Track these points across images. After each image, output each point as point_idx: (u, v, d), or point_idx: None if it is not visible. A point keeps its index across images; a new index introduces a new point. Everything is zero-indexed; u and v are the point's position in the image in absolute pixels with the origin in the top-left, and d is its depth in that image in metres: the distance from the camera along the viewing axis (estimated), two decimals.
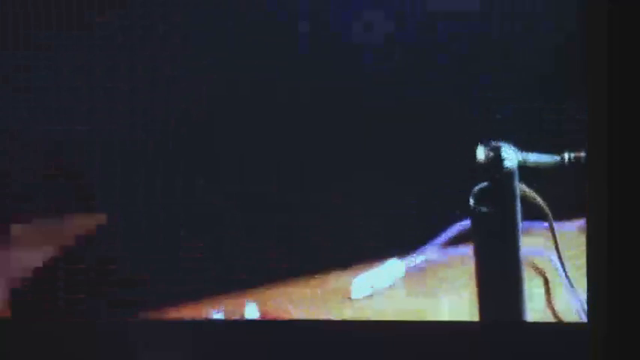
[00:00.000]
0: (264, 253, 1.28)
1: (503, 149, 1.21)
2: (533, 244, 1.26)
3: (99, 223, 1.27)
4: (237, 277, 1.27)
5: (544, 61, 1.25)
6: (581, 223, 1.25)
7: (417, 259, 1.28)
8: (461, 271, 1.28)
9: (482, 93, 1.25)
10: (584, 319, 1.26)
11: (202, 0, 1.26)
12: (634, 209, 1.23)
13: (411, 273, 1.28)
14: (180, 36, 1.27)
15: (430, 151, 1.26)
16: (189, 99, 1.27)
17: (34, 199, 1.27)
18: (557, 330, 1.28)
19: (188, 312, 1.28)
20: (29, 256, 1.27)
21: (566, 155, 1.24)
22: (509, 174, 1.22)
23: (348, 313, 1.28)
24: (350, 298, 1.28)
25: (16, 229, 1.27)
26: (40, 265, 1.27)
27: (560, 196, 1.25)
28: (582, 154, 1.24)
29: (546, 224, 1.25)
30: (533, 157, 1.23)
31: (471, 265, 1.26)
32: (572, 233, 1.26)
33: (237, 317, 1.28)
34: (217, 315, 1.27)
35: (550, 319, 1.27)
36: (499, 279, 1.25)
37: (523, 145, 1.24)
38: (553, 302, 1.28)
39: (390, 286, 1.28)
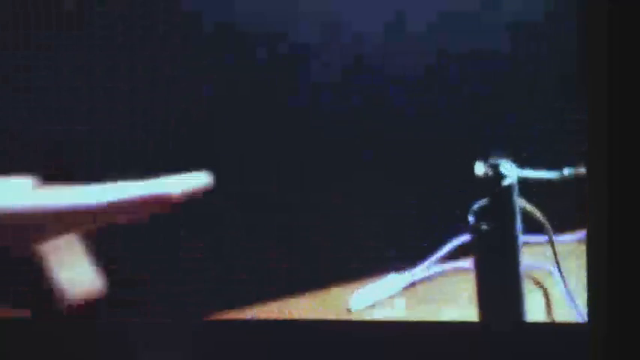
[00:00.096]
0: (264, 253, 1.28)
1: (502, 165, 1.21)
2: (534, 257, 1.26)
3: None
4: (237, 277, 1.27)
5: (544, 76, 1.25)
6: (581, 235, 1.25)
7: (416, 272, 1.28)
8: (461, 285, 1.28)
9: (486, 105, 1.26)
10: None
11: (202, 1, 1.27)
12: (634, 210, 1.23)
13: (410, 287, 1.28)
14: (180, 36, 1.27)
15: (430, 151, 1.26)
16: (189, 99, 1.27)
17: None
18: (557, 330, 1.28)
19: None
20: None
21: (565, 171, 1.24)
22: (508, 189, 1.21)
23: None
24: (349, 309, 1.29)
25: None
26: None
27: (559, 210, 1.25)
28: (582, 169, 1.24)
29: (546, 237, 1.25)
30: (533, 173, 1.23)
31: (471, 279, 1.25)
32: (573, 245, 1.26)
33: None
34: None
35: None
36: (500, 293, 1.24)
37: (522, 161, 1.23)
38: (554, 315, 1.28)
39: (390, 297, 1.28)
